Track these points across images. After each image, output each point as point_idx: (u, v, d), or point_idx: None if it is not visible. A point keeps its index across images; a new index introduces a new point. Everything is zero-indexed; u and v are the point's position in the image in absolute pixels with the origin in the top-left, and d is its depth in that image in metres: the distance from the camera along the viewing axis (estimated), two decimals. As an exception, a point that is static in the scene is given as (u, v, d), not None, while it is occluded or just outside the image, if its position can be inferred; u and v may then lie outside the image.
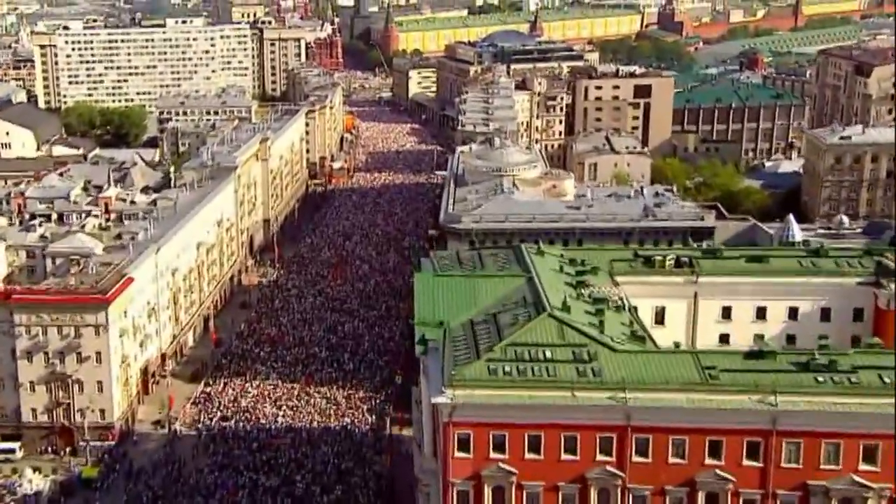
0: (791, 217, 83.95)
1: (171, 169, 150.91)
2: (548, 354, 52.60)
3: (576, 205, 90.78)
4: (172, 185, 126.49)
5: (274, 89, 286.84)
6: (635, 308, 63.98)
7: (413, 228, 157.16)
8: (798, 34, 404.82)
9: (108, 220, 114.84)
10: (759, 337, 67.16)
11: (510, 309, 58.33)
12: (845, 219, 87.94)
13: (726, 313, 67.51)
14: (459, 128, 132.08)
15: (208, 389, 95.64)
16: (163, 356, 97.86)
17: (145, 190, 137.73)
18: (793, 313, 66.99)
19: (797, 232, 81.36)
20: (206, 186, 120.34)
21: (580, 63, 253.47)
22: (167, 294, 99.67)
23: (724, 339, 67.75)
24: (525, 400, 50.75)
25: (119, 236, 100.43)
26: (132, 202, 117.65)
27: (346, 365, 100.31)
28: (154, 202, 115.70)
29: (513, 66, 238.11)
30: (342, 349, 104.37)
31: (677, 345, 58.49)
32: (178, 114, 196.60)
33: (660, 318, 67.77)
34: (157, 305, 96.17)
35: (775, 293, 66.97)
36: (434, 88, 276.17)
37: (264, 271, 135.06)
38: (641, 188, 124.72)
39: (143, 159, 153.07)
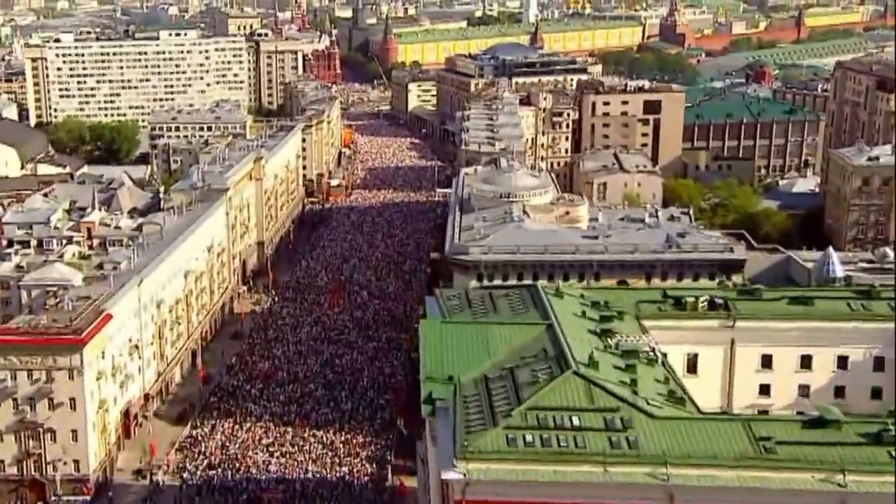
0: (831, 251, 77.05)
1: (161, 189, 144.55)
2: (575, 421, 45.57)
3: (592, 234, 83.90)
4: (161, 206, 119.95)
5: (270, 102, 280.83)
6: (665, 355, 57.17)
7: (414, 250, 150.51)
8: (803, 46, 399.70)
9: (90, 246, 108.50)
10: (803, 388, 60.48)
11: (529, 363, 51.38)
12: (889, 251, 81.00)
13: (767, 362, 60.59)
14: (463, 147, 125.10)
15: (195, 432, 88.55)
16: (146, 396, 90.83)
17: (133, 212, 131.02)
18: (842, 362, 60.09)
19: (838, 267, 74.40)
20: (196, 210, 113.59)
21: (584, 76, 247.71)
22: (151, 328, 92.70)
23: (765, 390, 60.93)
24: (550, 476, 43.68)
25: (100, 266, 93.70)
26: (117, 227, 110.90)
27: (344, 404, 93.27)
28: (140, 227, 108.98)
29: (515, 80, 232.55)
30: (340, 386, 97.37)
31: (724, 412, 51.46)
32: (169, 129, 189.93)
33: (692, 366, 60.91)
34: (140, 342, 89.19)
35: (822, 340, 60.05)
36: (434, 102, 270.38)
37: (258, 298, 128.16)
38: (656, 211, 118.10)
39: (131, 179, 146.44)
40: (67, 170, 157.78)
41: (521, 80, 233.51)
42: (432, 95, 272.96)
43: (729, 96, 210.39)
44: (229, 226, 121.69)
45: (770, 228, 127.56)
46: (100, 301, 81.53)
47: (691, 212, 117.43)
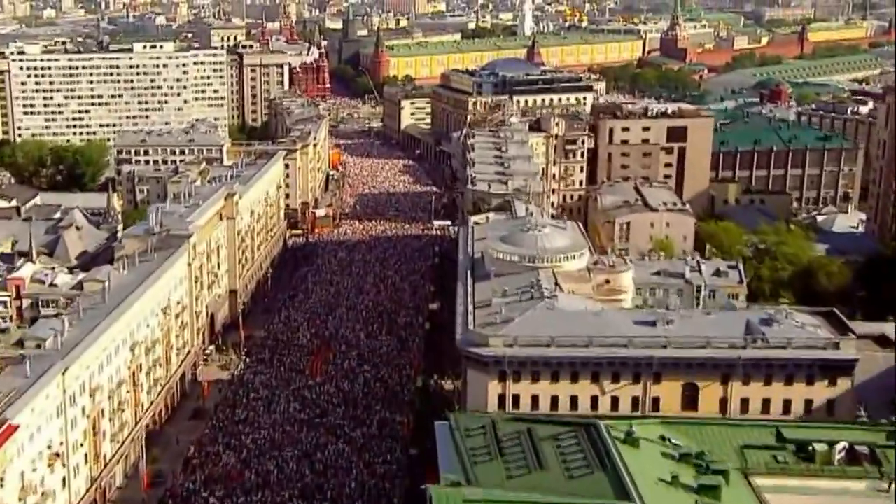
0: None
1: (120, 228, 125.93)
2: None
3: (648, 319, 64.71)
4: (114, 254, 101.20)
5: (254, 120, 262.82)
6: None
7: (409, 297, 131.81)
8: (812, 63, 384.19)
9: (19, 309, 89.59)
10: None
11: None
12: None
13: (937, 543, 41.89)
14: (469, 186, 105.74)
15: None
16: (73, 513, 71.50)
17: (82, 257, 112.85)
18: None
19: None
20: (152, 261, 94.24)
21: (589, 94, 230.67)
22: (82, 425, 73.43)
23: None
24: None
25: (20, 343, 74.37)
26: (52, 285, 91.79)
27: (326, 520, 74.26)
28: (81, 285, 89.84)
29: (516, 98, 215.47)
30: (321, 493, 78.13)
31: None
32: (137, 153, 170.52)
33: (824, 545, 42.12)
34: (64, 445, 69.91)
35: None
36: (428, 120, 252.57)
37: (227, 360, 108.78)
38: (698, 264, 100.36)
39: (86, 215, 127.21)
40: (14, 203, 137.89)
41: (522, 98, 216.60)
42: (427, 113, 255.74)
43: (753, 119, 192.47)
44: (192, 278, 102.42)
45: (825, 281, 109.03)
46: (4, 403, 62.16)
47: (741, 267, 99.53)
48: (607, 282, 72.66)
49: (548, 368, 61.45)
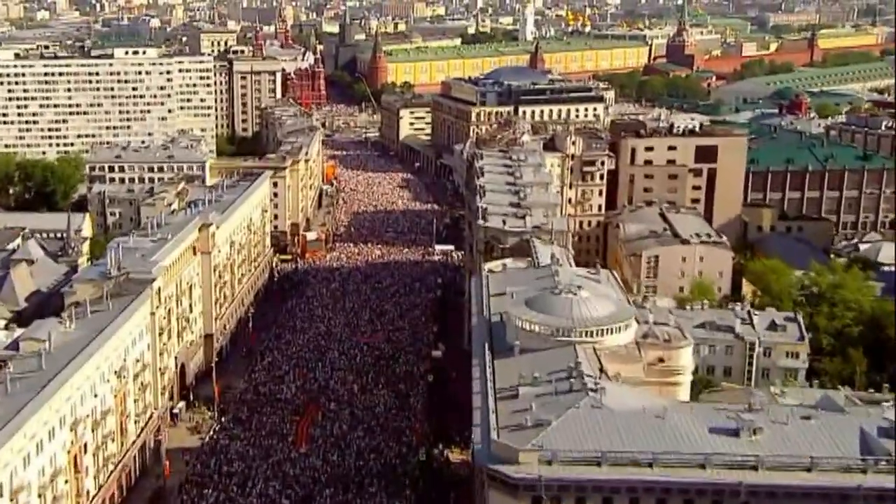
0: None
1: (83, 261, 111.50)
2: None
3: (727, 426, 49.10)
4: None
5: (245, 130, 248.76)
6: None
7: (409, 339, 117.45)
8: (824, 71, 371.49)
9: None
10: None
11: None
12: None
13: None
14: (480, 222, 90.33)
15: None
16: None
17: (33, 297, 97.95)
18: None
19: None
20: (106, 312, 79.27)
21: (600, 104, 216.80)
22: (0, 538, 58.43)
23: None
24: None
25: (-74, 431, 59.40)
26: (-17, 343, 76.65)
27: None
28: (17, 344, 74.68)
29: (522, 109, 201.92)
30: None
31: None
32: (112, 170, 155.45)
33: None
34: (-28, 571, 54.99)
35: None
36: (428, 131, 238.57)
37: (199, 421, 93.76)
38: (749, 315, 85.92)
39: (43, 246, 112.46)
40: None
41: (529, 108, 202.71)
42: (426, 123, 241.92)
43: (782, 135, 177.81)
44: (156, 330, 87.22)
45: (891, 331, 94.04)
46: None
47: (801, 320, 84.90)
48: (661, 360, 57.84)
49: (598, 494, 46.01)
